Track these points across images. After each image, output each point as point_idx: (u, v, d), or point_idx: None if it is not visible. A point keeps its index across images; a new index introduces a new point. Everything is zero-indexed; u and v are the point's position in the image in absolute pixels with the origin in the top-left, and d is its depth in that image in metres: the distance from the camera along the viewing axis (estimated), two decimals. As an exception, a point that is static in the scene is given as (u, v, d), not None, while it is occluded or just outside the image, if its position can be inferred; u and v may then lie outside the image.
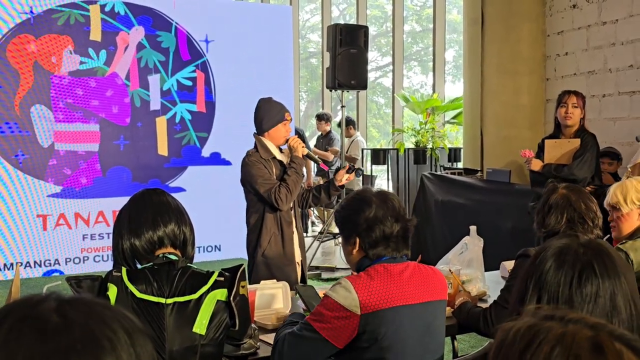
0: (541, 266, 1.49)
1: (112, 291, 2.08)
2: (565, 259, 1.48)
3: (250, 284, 3.37)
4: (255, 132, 3.81)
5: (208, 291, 2.13)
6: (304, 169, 4.11)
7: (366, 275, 2.19)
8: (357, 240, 2.25)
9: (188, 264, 2.20)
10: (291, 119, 3.83)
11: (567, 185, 2.90)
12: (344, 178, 3.83)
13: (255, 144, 3.78)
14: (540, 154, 4.77)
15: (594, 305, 1.43)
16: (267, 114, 3.77)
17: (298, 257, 3.81)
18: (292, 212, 3.80)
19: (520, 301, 1.48)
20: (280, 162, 3.76)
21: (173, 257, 2.18)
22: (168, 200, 2.30)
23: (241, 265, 2.22)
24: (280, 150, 3.85)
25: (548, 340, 0.90)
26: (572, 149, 4.60)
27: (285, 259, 3.70)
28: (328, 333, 2.13)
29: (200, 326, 2.09)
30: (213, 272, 2.18)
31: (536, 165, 4.60)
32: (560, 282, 1.46)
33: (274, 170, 3.71)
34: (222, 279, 2.16)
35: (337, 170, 3.94)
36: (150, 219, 2.21)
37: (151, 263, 2.16)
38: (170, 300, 2.09)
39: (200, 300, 2.11)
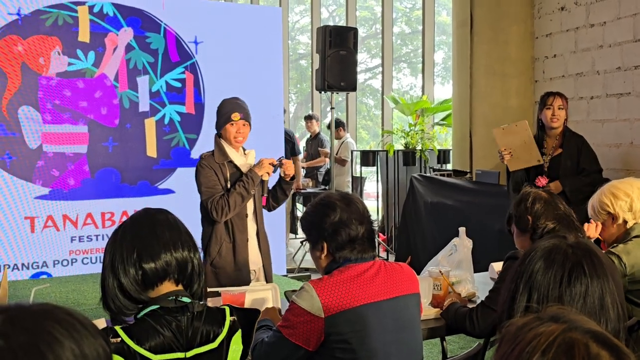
0: (531, 266, 1.50)
1: None
2: (555, 258, 1.50)
3: None
4: (216, 132, 3.74)
5: (227, 337, 1.86)
6: (296, 171, 4.00)
7: (329, 278, 2.23)
8: (325, 244, 2.27)
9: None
10: (242, 120, 3.62)
11: (540, 192, 2.88)
12: (286, 170, 3.71)
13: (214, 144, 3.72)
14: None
15: (582, 304, 1.45)
16: (217, 114, 3.68)
17: (255, 265, 3.72)
18: (251, 218, 3.70)
19: (511, 300, 1.49)
20: (237, 166, 3.65)
21: (186, 299, 1.84)
22: (176, 220, 1.93)
23: (258, 312, 1.99)
24: (244, 150, 3.75)
25: (528, 336, 0.93)
26: (523, 132, 4.60)
27: (235, 267, 3.62)
28: (297, 338, 2.18)
29: None
30: (224, 310, 1.91)
31: (557, 188, 4.51)
32: (550, 282, 1.47)
33: (228, 173, 3.62)
34: (234, 317, 1.89)
35: (277, 167, 3.79)
36: (158, 240, 1.84)
37: (151, 307, 1.81)
38: (190, 354, 1.79)
39: (220, 349, 1.84)
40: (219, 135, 3.70)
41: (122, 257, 1.83)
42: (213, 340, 1.83)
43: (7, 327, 0.84)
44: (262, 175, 3.62)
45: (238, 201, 3.54)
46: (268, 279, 3.75)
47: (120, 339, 1.73)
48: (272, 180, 3.82)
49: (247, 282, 3.58)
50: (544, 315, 0.98)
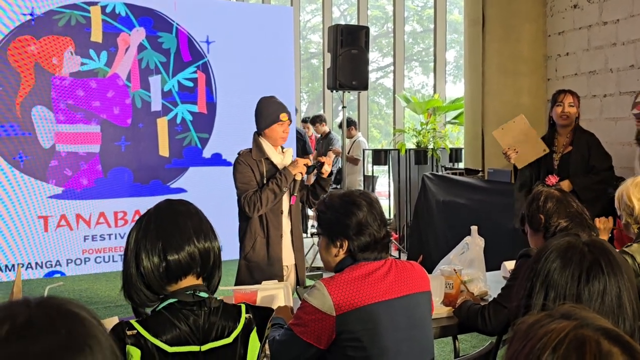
0: (547, 265, 1.49)
1: (136, 356, 1.72)
2: (572, 257, 1.49)
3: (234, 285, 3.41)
4: (255, 130, 3.82)
5: (243, 333, 1.87)
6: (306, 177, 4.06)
7: (340, 276, 2.23)
8: (346, 243, 2.26)
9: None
10: (288, 120, 3.76)
11: (552, 190, 2.86)
12: (323, 169, 3.82)
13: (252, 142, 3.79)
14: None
15: (600, 302, 1.44)
16: (263, 113, 3.76)
17: (288, 261, 3.78)
18: (286, 215, 3.77)
19: (527, 299, 1.48)
20: (274, 164, 3.73)
21: (204, 294, 1.85)
22: (197, 210, 1.96)
23: (272, 310, 1.98)
24: (282, 148, 3.84)
25: (539, 333, 0.92)
26: (522, 125, 4.60)
27: (268, 262, 3.68)
28: (308, 336, 2.19)
29: None
30: (240, 307, 1.91)
31: (567, 187, 4.48)
32: (567, 280, 1.46)
33: (264, 170, 3.69)
34: (249, 315, 1.90)
35: (314, 167, 3.87)
36: (181, 232, 1.85)
37: (169, 300, 1.82)
38: (205, 347, 1.80)
39: (234, 344, 1.84)
40: (258, 134, 3.78)
41: (146, 249, 1.83)
42: (228, 336, 1.84)
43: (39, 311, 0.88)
44: (295, 175, 3.69)
45: (270, 198, 3.61)
46: (300, 276, 3.83)
47: (136, 331, 1.73)
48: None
49: (280, 277, 3.65)
50: (555, 313, 0.98)
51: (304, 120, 9.63)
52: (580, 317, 0.94)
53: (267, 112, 3.75)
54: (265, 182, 3.67)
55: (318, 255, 7.17)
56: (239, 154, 3.77)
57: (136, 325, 1.74)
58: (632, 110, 4.20)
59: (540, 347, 0.89)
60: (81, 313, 0.90)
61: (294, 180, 3.72)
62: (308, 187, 3.93)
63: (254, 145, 3.75)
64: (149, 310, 1.87)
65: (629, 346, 0.89)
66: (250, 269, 3.65)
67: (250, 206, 3.59)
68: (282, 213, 3.75)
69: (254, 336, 1.88)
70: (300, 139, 8.09)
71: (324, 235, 2.35)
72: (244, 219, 3.71)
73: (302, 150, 8.08)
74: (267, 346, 1.96)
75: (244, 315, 1.89)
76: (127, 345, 1.71)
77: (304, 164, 3.72)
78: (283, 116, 3.72)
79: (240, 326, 1.86)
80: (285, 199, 3.76)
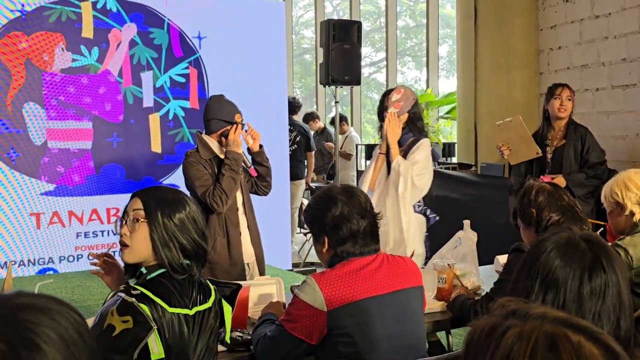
0: (548, 262, 1.47)
1: (147, 310, 1.91)
2: (573, 254, 1.47)
3: None
4: (199, 131, 3.75)
5: (217, 300, 2.13)
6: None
7: (331, 271, 2.23)
8: (326, 239, 2.27)
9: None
10: (242, 121, 3.69)
11: (543, 184, 2.85)
12: (252, 136, 3.78)
13: (196, 143, 3.71)
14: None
15: (602, 299, 1.43)
16: (217, 114, 3.70)
17: (249, 258, 3.72)
18: (242, 211, 3.70)
19: (527, 297, 1.46)
20: (222, 160, 3.67)
21: (187, 261, 2.09)
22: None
23: (240, 286, 2.24)
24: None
25: (506, 341, 0.89)
26: (518, 127, 4.61)
27: (231, 261, 3.62)
28: (299, 332, 2.19)
29: (228, 336, 2.19)
30: (206, 280, 2.17)
31: (561, 183, 4.50)
32: (569, 278, 1.45)
33: (215, 169, 3.62)
34: (214, 286, 2.18)
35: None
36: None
37: (161, 270, 2.03)
38: (192, 311, 2.03)
39: (213, 308, 2.10)
40: (207, 134, 3.72)
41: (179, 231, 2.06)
42: (207, 302, 2.09)
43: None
44: (238, 149, 3.63)
45: (231, 184, 3.54)
46: (261, 271, 3.75)
47: (139, 291, 1.93)
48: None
49: (242, 277, 3.58)
50: (504, 312, 0.96)
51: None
52: (535, 314, 0.92)
53: (224, 112, 3.71)
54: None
55: (312, 251, 7.17)
56: (187, 154, 3.67)
57: (138, 287, 1.95)
58: (390, 110, 4.13)
59: (514, 357, 0.87)
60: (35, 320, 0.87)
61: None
62: (251, 175, 3.84)
63: (200, 146, 3.67)
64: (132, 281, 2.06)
65: (590, 331, 0.89)
66: (213, 270, 3.54)
67: (217, 200, 3.51)
68: (237, 210, 3.68)
69: (223, 301, 2.16)
70: (305, 135, 8.07)
71: (310, 232, 2.40)
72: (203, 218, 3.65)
73: (306, 146, 8.06)
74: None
75: (212, 286, 2.15)
76: (138, 304, 1.89)
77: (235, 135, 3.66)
78: (238, 117, 3.69)
79: (213, 293, 2.12)
80: (238, 195, 3.70)
